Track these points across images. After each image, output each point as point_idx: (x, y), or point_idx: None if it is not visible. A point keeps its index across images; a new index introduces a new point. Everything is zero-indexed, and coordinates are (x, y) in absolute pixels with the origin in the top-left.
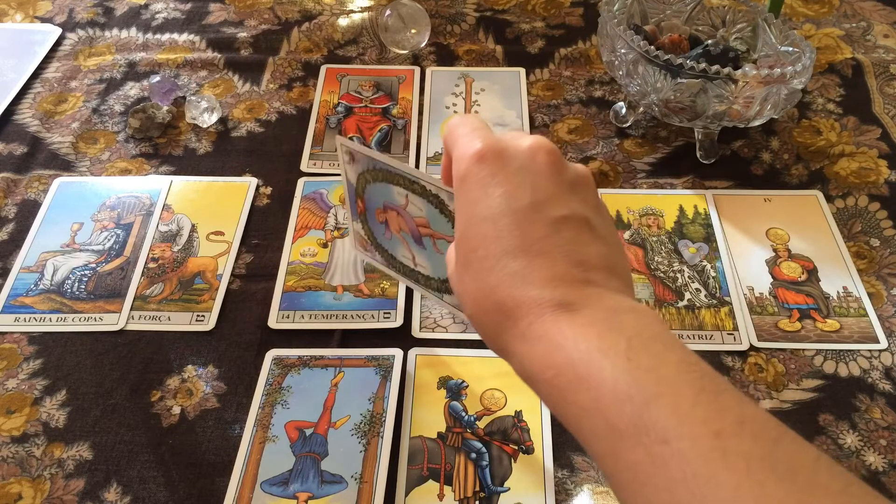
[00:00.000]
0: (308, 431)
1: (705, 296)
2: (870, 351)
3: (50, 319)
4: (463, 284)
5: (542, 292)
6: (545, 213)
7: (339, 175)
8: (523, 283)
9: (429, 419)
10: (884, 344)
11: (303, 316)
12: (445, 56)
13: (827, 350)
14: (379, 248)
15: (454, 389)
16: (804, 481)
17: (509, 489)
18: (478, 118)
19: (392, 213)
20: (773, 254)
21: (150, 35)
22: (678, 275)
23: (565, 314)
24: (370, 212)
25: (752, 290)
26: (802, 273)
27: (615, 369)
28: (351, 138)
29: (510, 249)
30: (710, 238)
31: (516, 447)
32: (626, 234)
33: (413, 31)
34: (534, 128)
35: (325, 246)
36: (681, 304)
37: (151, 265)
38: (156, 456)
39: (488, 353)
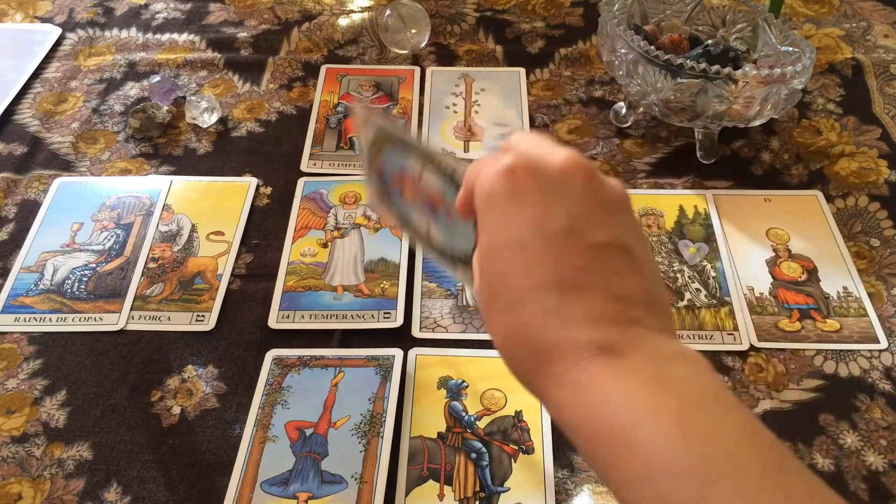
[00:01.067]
0: (308, 431)
1: (705, 296)
2: (870, 351)
3: (50, 319)
4: (489, 314)
5: (581, 333)
6: (582, 239)
7: (339, 175)
8: (559, 321)
9: (429, 419)
10: (884, 344)
11: (303, 316)
12: (445, 56)
13: (827, 350)
14: (393, 207)
15: (454, 389)
16: None
17: (509, 489)
18: (539, 137)
19: (408, 179)
20: (773, 254)
21: (150, 35)
22: (678, 275)
23: (607, 360)
24: (387, 173)
25: (753, 290)
26: (802, 273)
27: (669, 438)
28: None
29: (543, 282)
30: (710, 238)
31: (516, 447)
32: None
33: (413, 31)
34: (534, 128)
35: (325, 246)
36: (681, 304)
37: (151, 265)
38: (156, 456)
39: (488, 352)
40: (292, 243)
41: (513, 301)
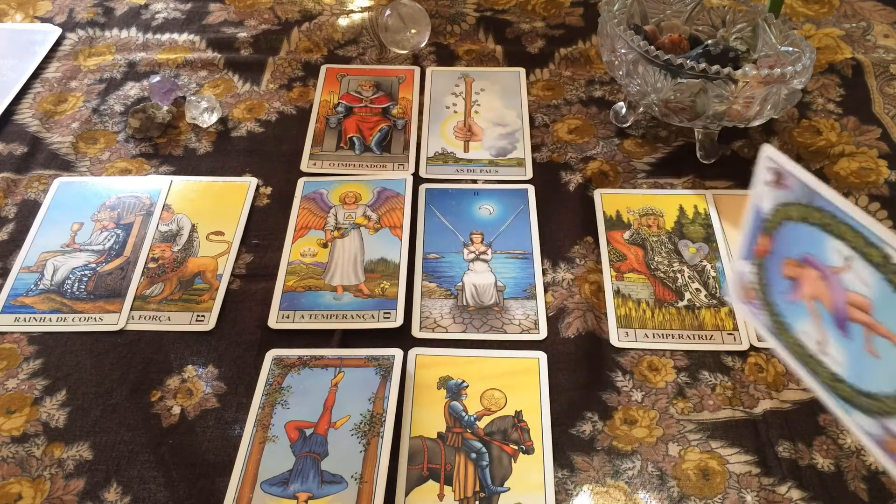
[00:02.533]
0: (308, 431)
1: (705, 296)
2: None
3: (50, 319)
4: None
5: None
6: None
7: (339, 175)
8: None
9: (429, 419)
10: None
11: (303, 316)
12: (445, 56)
13: None
14: (768, 305)
15: (454, 389)
16: None
17: (509, 489)
18: None
19: (812, 272)
20: None
21: (150, 35)
22: (678, 275)
23: None
24: (775, 257)
25: None
26: None
27: None
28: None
29: None
30: (710, 238)
31: (516, 447)
32: (626, 234)
33: (413, 31)
34: (534, 128)
35: (325, 246)
36: (681, 304)
37: (151, 265)
38: (156, 456)
39: (488, 352)
40: (292, 243)
41: None
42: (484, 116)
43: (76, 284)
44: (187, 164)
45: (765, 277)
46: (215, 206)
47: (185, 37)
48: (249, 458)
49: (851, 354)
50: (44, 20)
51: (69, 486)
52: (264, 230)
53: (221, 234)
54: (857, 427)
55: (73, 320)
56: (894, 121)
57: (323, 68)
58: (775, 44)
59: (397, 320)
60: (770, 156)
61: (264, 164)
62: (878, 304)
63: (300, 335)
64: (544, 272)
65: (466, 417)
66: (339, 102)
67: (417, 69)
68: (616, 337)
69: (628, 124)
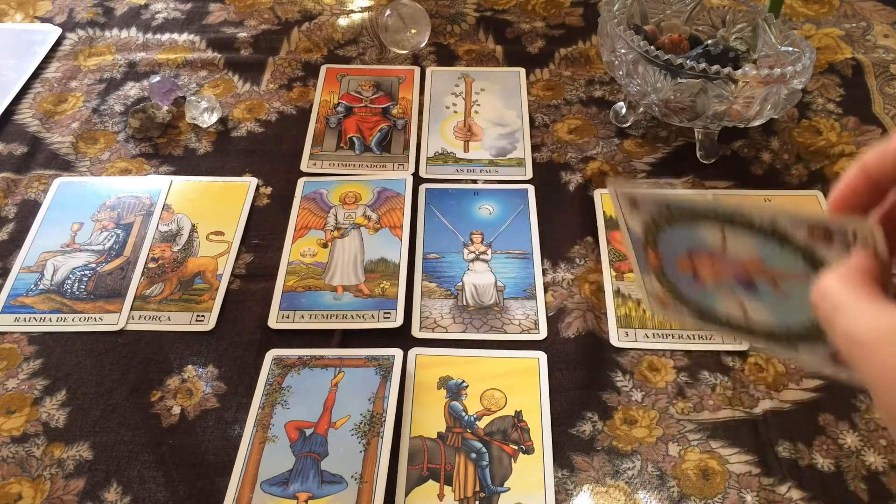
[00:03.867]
0: (308, 431)
1: None
2: None
3: (50, 319)
4: None
5: None
6: None
7: (339, 175)
8: None
9: (429, 419)
10: None
11: (303, 316)
12: (445, 56)
13: None
14: (687, 302)
15: (454, 389)
16: None
17: (509, 489)
18: None
19: (702, 259)
20: None
21: (150, 35)
22: None
23: None
24: (668, 262)
25: None
26: None
27: None
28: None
29: None
30: None
31: (516, 447)
32: None
33: (413, 31)
34: (534, 128)
35: (325, 246)
36: None
37: (151, 265)
38: (156, 456)
39: (488, 352)
40: (292, 243)
41: None
42: (484, 116)
43: (76, 284)
44: (187, 164)
45: (671, 281)
46: (215, 206)
47: (185, 37)
48: (249, 458)
49: (769, 305)
50: (44, 20)
51: (69, 486)
52: (264, 230)
53: (221, 234)
54: (810, 357)
55: (73, 320)
56: (894, 121)
57: (323, 68)
58: (775, 44)
59: (397, 320)
60: (617, 190)
61: (264, 164)
62: (764, 255)
63: (300, 335)
64: (544, 272)
65: (466, 417)
66: (339, 102)
67: (417, 69)
68: (616, 337)
69: (628, 124)
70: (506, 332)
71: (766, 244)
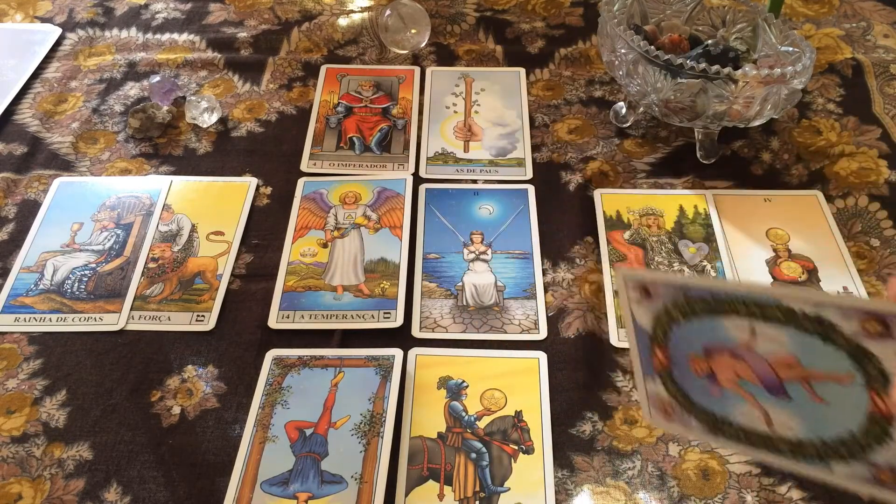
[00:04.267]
0: (308, 431)
1: None
2: None
3: (50, 319)
4: None
5: None
6: None
7: (339, 175)
8: None
9: (429, 419)
10: None
11: (303, 316)
12: (445, 56)
13: None
14: (696, 411)
15: (454, 389)
16: None
17: (509, 489)
18: None
19: (722, 357)
20: (774, 254)
21: (150, 35)
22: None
23: None
24: (678, 363)
25: None
26: (803, 273)
27: None
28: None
29: None
30: (710, 238)
31: (516, 447)
32: (626, 234)
33: (413, 31)
34: (534, 128)
35: (325, 246)
36: None
37: (151, 265)
38: (156, 456)
39: (488, 352)
40: (292, 243)
41: None
42: (484, 116)
43: (76, 284)
44: (187, 164)
45: (679, 386)
46: (215, 206)
47: (185, 37)
48: (249, 458)
49: (800, 412)
50: (44, 20)
51: (69, 486)
52: (264, 230)
53: (221, 234)
54: (846, 478)
55: (73, 320)
56: (894, 121)
57: (323, 68)
58: (775, 44)
59: (397, 320)
60: (626, 275)
61: (264, 164)
62: (800, 353)
63: (300, 335)
64: (544, 272)
65: (466, 417)
66: (339, 102)
67: (417, 69)
68: (616, 337)
69: (628, 124)
70: (506, 332)
71: (804, 340)
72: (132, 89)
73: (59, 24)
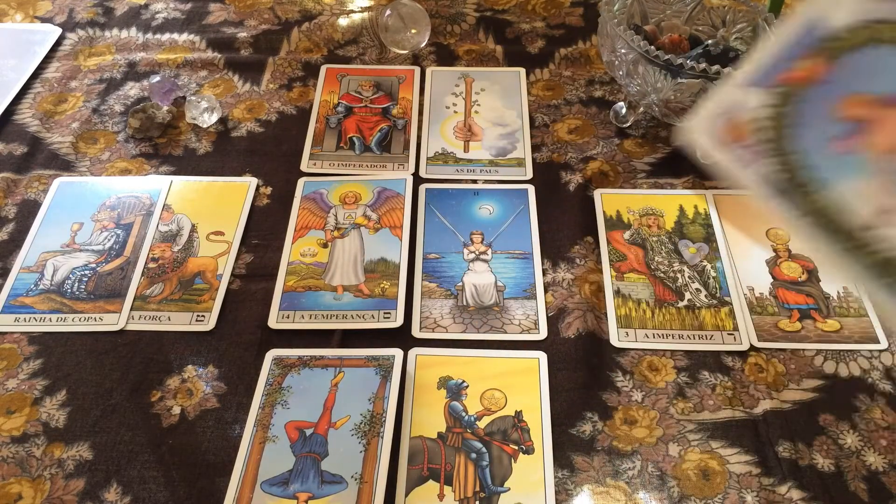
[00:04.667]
0: (308, 431)
1: (705, 296)
2: (870, 351)
3: (50, 319)
4: None
5: None
6: None
7: (339, 175)
8: None
9: (429, 419)
10: (884, 344)
11: (303, 316)
12: (445, 56)
13: (827, 350)
14: (786, 154)
15: (454, 389)
16: None
17: (509, 489)
18: None
19: (890, 114)
20: (774, 254)
21: (150, 35)
22: (678, 275)
23: None
24: (831, 90)
25: (753, 290)
26: (803, 273)
27: None
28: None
29: None
30: (710, 238)
31: (516, 447)
32: (626, 234)
33: (413, 31)
34: (534, 128)
35: (325, 246)
36: (681, 304)
37: (151, 265)
38: (156, 456)
39: (488, 352)
40: (292, 243)
41: None
42: (484, 116)
43: (76, 284)
44: (187, 164)
45: (795, 115)
46: (215, 206)
47: (185, 37)
48: (249, 458)
49: None
50: (44, 20)
51: (69, 486)
52: (264, 230)
53: (221, 234)
54: None
55: (73, 320)
56: None
57: (323, 68)
58: None
59: (397, 320)
60: None
61: (264, 164)
62: None
63: (300, 335)
64: (544, 272)
65: (466, 417)
66: (339, 102)
67: (417, 69)
68: (616, 337)
69: (628, 124)
70: (506, 332)
71: None
72: (132, 89)
73: (59, 24)
